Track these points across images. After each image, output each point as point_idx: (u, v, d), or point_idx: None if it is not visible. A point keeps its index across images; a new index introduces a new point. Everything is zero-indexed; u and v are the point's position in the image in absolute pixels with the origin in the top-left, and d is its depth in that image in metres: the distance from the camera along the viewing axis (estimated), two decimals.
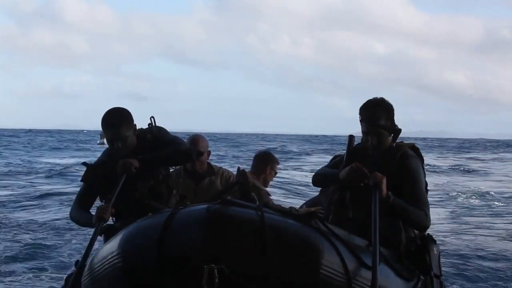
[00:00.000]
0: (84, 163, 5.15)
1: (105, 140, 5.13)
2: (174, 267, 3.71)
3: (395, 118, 4.73)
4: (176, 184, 5.23)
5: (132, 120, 4.97)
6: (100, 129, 4.91)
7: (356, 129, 4.91)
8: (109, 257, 3.97)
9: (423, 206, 4.53)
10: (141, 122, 5.13)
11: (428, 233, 4.93)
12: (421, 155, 4.80)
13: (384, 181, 4.35)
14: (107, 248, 4.07)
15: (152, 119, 5.15)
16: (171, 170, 5.46)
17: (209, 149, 6.23)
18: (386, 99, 4.73)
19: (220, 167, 6.31)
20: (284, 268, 3.68)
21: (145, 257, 3.80)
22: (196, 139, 6.10)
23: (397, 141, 4.78)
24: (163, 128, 5.17)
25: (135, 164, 4.81)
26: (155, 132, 5.08)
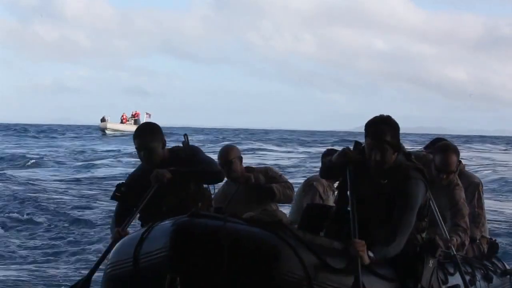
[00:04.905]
0: (118, 185, 5.40)
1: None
2: (146, 278, 4.12)
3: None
4: (206, 198, 5.43)
5: (160, 134, 5.29)
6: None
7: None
8: (106, 265, 4.51)
9: (400, 233, 4.54)
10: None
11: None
12: (426, 176, 4.72)
13: (364, 248, 4.32)
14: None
15: (185, 136, 5.52)
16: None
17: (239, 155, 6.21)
18: (392, 117, 4.75)
19: (256, 167, 6.39)
20: (243, 274, 3.95)
21: (125, 268, 4.28)
22: (224, 151, 6.18)
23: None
24: (196, 147, 5.47)
25: (167, 175, 5.09)
26: (187, 151, 5.38)
